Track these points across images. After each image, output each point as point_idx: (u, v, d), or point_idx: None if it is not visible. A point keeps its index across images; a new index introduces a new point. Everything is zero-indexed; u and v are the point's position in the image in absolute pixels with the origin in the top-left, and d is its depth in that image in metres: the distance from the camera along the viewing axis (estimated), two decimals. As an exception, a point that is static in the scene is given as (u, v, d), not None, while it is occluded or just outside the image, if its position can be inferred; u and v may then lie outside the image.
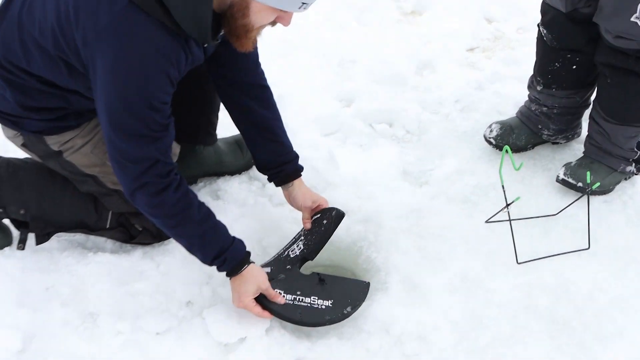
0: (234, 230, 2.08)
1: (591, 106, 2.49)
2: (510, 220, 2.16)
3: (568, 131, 2.59)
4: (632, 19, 2.06)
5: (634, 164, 2.43)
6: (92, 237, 2.19)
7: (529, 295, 2.07)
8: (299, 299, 1.96)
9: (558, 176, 2.43)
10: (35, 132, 1.94)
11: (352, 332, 1.96)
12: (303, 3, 1.67)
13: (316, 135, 2.62)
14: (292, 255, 2.09)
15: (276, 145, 2.12)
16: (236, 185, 2.39)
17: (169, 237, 2.16)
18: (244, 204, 2.32)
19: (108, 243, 2.19)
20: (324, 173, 2.43)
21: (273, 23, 1.76)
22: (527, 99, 2.62)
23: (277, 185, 2.17)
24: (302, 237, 2.14)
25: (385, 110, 2.79)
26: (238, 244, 1.91)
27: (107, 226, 2.12)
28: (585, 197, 2.23)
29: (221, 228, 1.90)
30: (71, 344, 1.86)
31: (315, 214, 2.16)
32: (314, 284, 2.01)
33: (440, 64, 3.08)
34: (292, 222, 2.30)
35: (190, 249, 1.89)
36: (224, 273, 1.91)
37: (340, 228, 2.26)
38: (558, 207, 2.37)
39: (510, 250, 2.19)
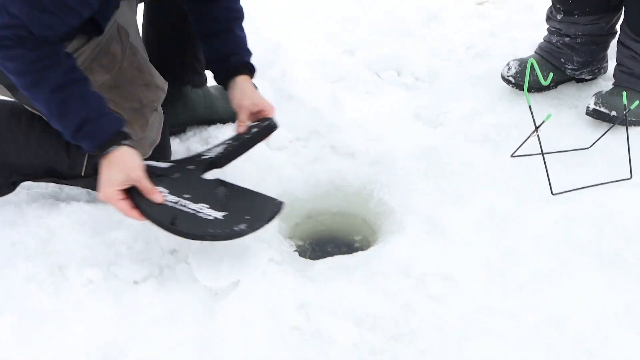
0: (225, 173, 1.82)
1: (618, 33, 2.24)
2: (541, 147, 1.89)
3: (594, 63, 2.33)
4: None
5: (671, 89, 2.15)
6: (66, 188, 1.93)
7: (569, 228, 1.78)
8: (184, 203, 1.59)
9: (588, 107, 2.16)
10: None
11: (365, 274, 1.67)
12: None
13: (318, 81, 2.37)
14: (202, 158, 1.76)
15: (227, 35, 1.87)
16: (229, 133, 2.13)
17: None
18: (238, 148, 2.06)
19: (84, 193, 1.93)
20: (327, 116, 2.17)
21: None
22: (546, 34, 2.38)
23: (220, 83, 1.90)
24: (226, 144, 1.80)
25: (392, 58, 2.55)
26: (110, 118, 1.61)
27: (83, 173, 1.86)
28: (620, 126, 1.96)
29: (94, 98, 1.61)
30: (34, 298, 1.57)
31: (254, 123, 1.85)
32: (211, 191, 1.66)
33: (448, 16, 2.85)
34: (293, 166, 2.04)
35: (50, 118, 1.61)
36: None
37: (347, 171, 2.01)
38: (590, 141, 2.09)
39: (541, 184, 1.92)
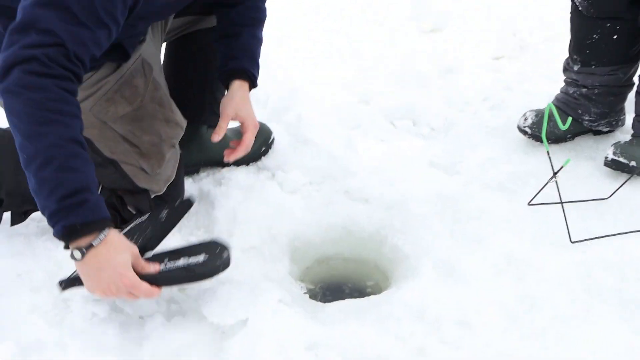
0: (237, 217, 1.82)
1: (636, 85, 2.24)
2: (559, 193, 1.86)
3: (611, 115, 2.31)
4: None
5: (690, 140, 2.12)
6: (76, 222, 1.91)
7: (589, 275, 1.72)
8: (169, 265, 1.53)
9: (607, 157, 2.13)
10: None
11: (377, 317, 1.63)
12: None
13: (333, 126, 2.37)
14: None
15: (235, 39, 1.84)
16: (242, 174, 2.12)
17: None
18: (251, 190, 2.04)
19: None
20: (342, 160, 2.15)
21: None
22: (562, 85, 2.38)
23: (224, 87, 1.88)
24: (145, 227, 1.66)
25: (407, 107, 2.54)
26: (101, 199, 1.43)
27: None
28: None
29: (91, 166, 1.41)
30: (36, 328, 1.53)
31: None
32: (168, 258, 1.56)
33: (464, 69, 2.86)
34: (306, 209, 2.01)
35: (37, 171, 1.37)
36: (73, 245, 1.37)
37: (360, 216, 1.99)
38: (608, 191, 2.06)
39: (559, 231, 1.88)
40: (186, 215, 1.94)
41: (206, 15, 2.02)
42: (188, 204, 1.78)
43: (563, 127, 1.89)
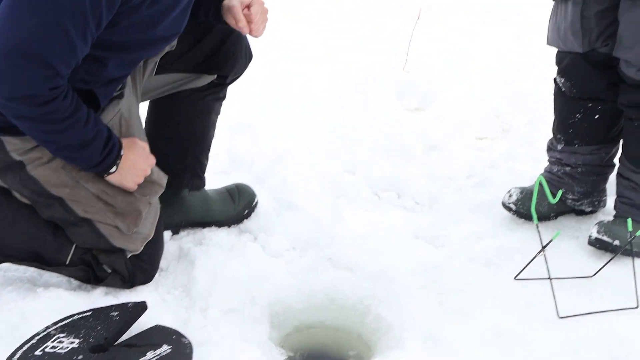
0: (217, 277, 1.77)
1: (617, 166, 2.28)
2: (547, 267, 1.84)
3: (594, 195, 2.33)
4: (655, 44, 1.92)
5: (672, 221, 2.13)
6: (45, 274, 1.83)
7: (578, 351, 1.69)
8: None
9: (590, 236, 2.13)
10: None
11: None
12: None
13: (318, 192, 2.35)
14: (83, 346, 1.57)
15: None
16: (224, 235, 2.07)
17: (142, 283, 1.83)
18: (232, 251, 1.99)
19: (64, 281, 1.82)
20: (326, 227, 2.12)
21: None
22: (547, 165, 2.41)
23: (214, 19, 1.87)
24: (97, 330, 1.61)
25: (392, 180, 2.54)
26: (109, 131, 1.70)
27: (67, 262, 1.77)
28: (623, 255, 1.93)
29: (98, 119, 1.67)
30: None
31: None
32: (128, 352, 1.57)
33: (448, 147, 2.89)
34: (288, 275, 1.96)
35: (74, 150, 1.64)
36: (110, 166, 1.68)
37: (344, 284, 1.94)
38: (593, 270, 2.04)
39: (546, 306, 1.85)
40: (163, 275, 1.89)
41: (193, 74, 1.99)
42: (141, 308, 1.70)
43: (553, 201, 1.89)
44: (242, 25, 1.82)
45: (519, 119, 3.21)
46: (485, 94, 3.40)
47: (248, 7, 1.83)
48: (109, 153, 1.67)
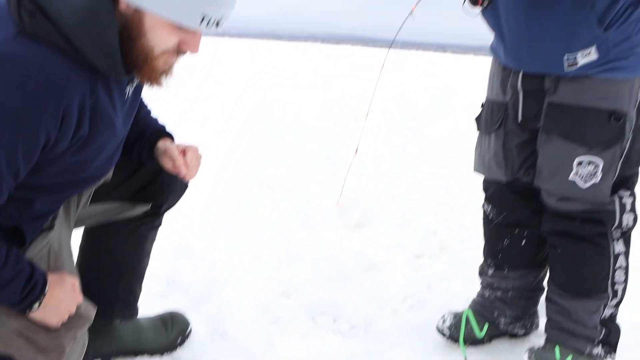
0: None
1: (545, 290, 2.34)
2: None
3: (525, 318, 2.38)
4: (570, 177, 2.03)
5: (600, 346, 2.18)
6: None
7: None
8: None
9: (522, 363, 2.16)
10: None
11: None
12: (203, 18, 1.45)
13: (253, 320, 2.33)
14: None
15: (138, 122, 1.88)
16: (157, 367, 2.02)
17: None
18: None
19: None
20: (259, 357, 2.10)
21: (179, 50, 1.53)
22: (480, 288, 2.46)
23: (147, 159, 1.91)
24: None
25: (328, 303, 2.55)
26: (33, 266, 1.61)
27: None
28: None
29: (20, 257, 1.59)
30: None
31: None
32: None
33: (386, 267, 2.94)
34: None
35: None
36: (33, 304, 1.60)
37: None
38: (527, 399, 2.05)
39: None
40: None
41: (129, 203, 2.00)
42: None
43: (479, 335, 1.92)
44: (179, 164, 1.86)
45: (455, 236, 3.31)
46: (424, 209, 3.51)
47: (183, 152, 1.89)
48: (29, 292, 1.61)
